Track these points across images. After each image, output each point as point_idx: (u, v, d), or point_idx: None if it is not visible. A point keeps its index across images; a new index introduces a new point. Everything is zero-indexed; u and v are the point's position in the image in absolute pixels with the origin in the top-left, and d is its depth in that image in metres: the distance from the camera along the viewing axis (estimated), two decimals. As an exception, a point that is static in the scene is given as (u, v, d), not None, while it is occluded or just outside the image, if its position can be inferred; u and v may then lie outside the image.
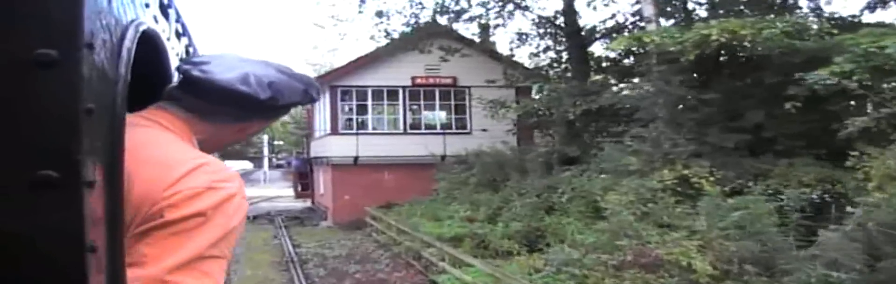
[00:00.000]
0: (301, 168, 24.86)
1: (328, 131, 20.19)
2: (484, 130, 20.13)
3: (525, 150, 15.27)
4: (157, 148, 1.20)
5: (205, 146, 1.34)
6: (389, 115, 20.73)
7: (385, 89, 20.14)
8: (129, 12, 1.07)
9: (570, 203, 10.93)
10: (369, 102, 20.10)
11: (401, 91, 20.17)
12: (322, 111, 21.73)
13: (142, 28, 1.10)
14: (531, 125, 18.41)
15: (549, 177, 13.38)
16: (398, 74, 20.06)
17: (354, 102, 20.18)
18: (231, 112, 1.34)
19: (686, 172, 9.51)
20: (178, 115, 1.31)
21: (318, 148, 21.81)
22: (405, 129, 20.28)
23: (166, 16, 1.43)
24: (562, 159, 13.86)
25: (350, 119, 20.55)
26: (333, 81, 19.91)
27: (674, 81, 10.47)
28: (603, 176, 10.67)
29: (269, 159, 49.38)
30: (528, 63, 19.51)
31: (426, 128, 20.75)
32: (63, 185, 0.82)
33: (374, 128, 20.46)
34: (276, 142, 54.50)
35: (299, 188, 25.00)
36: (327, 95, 20.28)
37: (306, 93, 1.39)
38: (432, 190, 18.03)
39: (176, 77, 1.37)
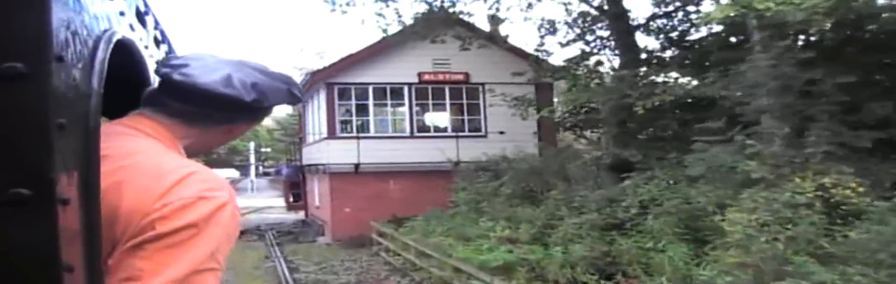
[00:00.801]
0: (292, 177, 22.12)
1: (324, 134, 17.49)
2: (501, 132, 17.55)
3: (567, 155, 12.61)
4: (145, 157, 1.16)
5: (191, 151, 1.31)
6: (394, 116, 18.06)
7: (388, 87, 17.48)
8: (101, 22, 1.04)
9: (656, 221, 8.32)
10: (371, 102, 17.42)
11: (406, 89, 17.53)
12: (316, 113, 19.04)
13: (115, 38, 1.06)
14: (568, 126, 15.78)
15: (607, 187, 10.79)
16: (403, 69, 17.42)
17: (354, 102, 17.48)
18: (215, 115, 1.29)
19: (825, 180, 6.96)
20: (161, 120, 1.26)
21: (312, 154, 19.13)
22: (412, 132, 17.62)
23: (144, 23, 1.41)
24: (616, 165, 11.28)
25: (349, 121, 17.86)
26: (329, 78, 17.22)
27: (783, 62, 7.91)
28: (703, 187, 8.08)
29: (256, 167, 46.48)
30: (554, 55, 16.93)
31: (435, 131, 18.10)
32: (36, 203, 0.79)
33: (376, 131, 17.80)
34: (263, 149, 51.67)
35: (291, 199, 22.24)
36: (323, 95, 17.60)
37: (290, 93, 1.34)
38: (449, 202, 15.39)
39: (155, 82, 1.34)
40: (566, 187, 11.28)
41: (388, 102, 17.52)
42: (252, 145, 44.92)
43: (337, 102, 17.22)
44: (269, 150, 52.16)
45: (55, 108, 0.81)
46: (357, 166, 16.87)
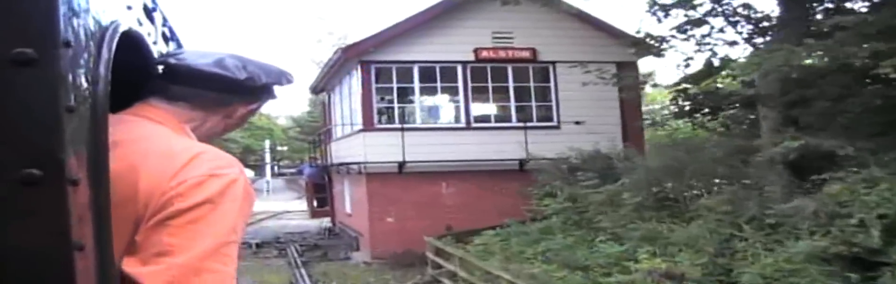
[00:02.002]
0: (317, 178, 18.47)
1: (358, 126, 13.83)
2: (577, 122, 13.83)
3: (722, 147, 8.74)
4: (156, 140, 1.21)
5: (199, 136, 1.34)
6: (446, 102, 14.36)
7: (437, 66, 13.77)
8: (109, 13, 1.06)
9: None
10: (416, 85, 13.71)
11: (460, 69, 13.82)
12: (345, 100, 15.36)
13: (122, 29, 1.08)
14: (687, 110, 11.99)
15: (793, 194, 7.06)
16: (456, 44, 13.71)
17: (395, 85, 13.78)
18: (213, 96, 1.34)
19: None
20: (164, 106, 1.31)
21: (342, 151, 15.44)
22: (468, 122, 13.91)
23: (151, 19, 1.43)
24: (798, 162, 7.54)
25: (389, 109, 14.19)
26: (364, 54, 13.51)
27: None
28: None
29: (272, 167, 42.96)
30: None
31: (497, 120, 14.37)
32: (47, 183, 0.81)
33: (424, 121, 14.11)
34: (279, 148, 48.15)
35: (315, 204, 18.58)
36: (356, 76, 13.92)
37: (283, 75, 1.41)
38: (527, 211, 11.69)
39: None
40: (732, 193, 7.54)
41: (438, 85, 13.80)
42: (267, 143, 41.43)
43: (374, 84, 13.53)
44: (285, 148, 48.66)
45: (64, 91, 0.83)
46: (401, 164, 13.19)
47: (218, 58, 1.33)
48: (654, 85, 12.73)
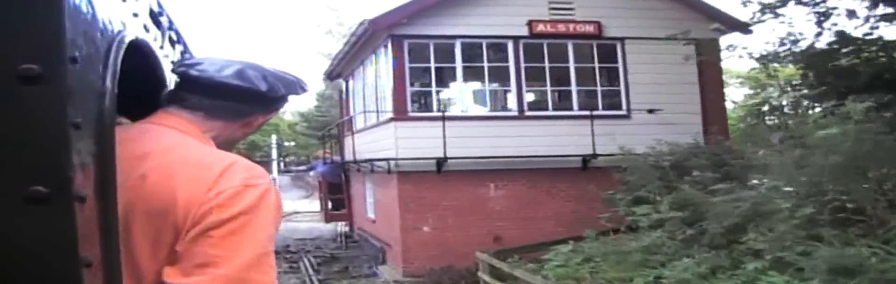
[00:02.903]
0: (331, 177, 15.96)
1: (388, 115, 11.31)
2: (650, 110, 11.30)
3: None
4: (186, 151, 1.22)
5: (216, 144, 1.34)
6: (495, 86, 11.82)
7: (484, 42, 11.20)
8: (114, 24, 1.04)
9: None
10: (458, 64, 11.14)
11: (511, 45, 11.25)
12: (370, 84, 12.81)
13: (128, 39, 1.07)
14: (809, 94, 9.46)
15: None
16: (506, 16, 11.16)
17: (433, 65, 11.22)
18: (233, 107, 1.34)
19: None
20: (185, 116, 1.31)
21: (364, 146, 12.89)
22: (522, 110, 11.36)
23: (158, 24, 1.41)
24: None
25: (426, 95, 11.68)
26: (395, 27, 10.95)
27: None
28: None
29: (279, 163, 40.49)
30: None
31: (555, 108, 11.80)
32: (54, 200, 0.80)
33: (467, 109, 11.57)
34: (286, 143, 45.63)
35: (330, 206, 16.06)
36: (385, 54, 11.38)
37: (299, 85, 1.40)
38: (602, 221, 9.16)
39: (171, 81, 1.40)
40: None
41: (485, 64, 11.23)
42: (273, 138, 38.92)
43: (408, 64, 10.98)
44: (293, 144, 46.13)
45: (71, 108, 0.82)
46: (441, 161, 10.66)
47: (238, 69, 1.31)
48: (763, 62, 10.11)
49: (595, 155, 10.87)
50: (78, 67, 0.84)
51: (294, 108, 50.10)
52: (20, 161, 0.80)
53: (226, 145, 1.39)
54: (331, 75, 16.22)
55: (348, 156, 14.87)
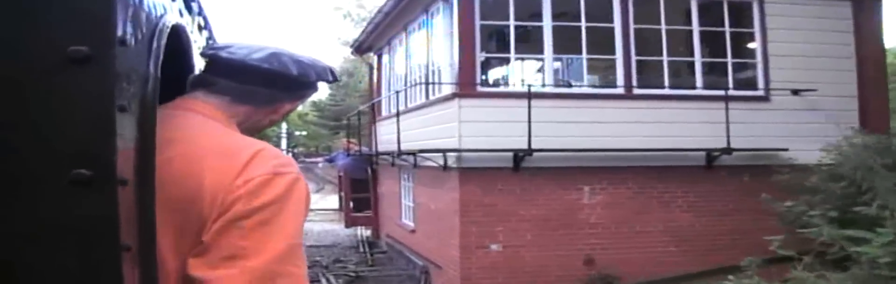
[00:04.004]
0: (355, 171, 12.90)
1: (445, 91, 8.26)
2: (797, 92, 8.23)
3: None
4: (213, 137, 1.18)
5: (243, 130, 1.28)
6: (593, 54, 8.59)
7: (580, -4, 8.13)
8: (158, 7, 1.03)
9: None
10: (547, 23, 7.97)
11: (615, 1, 8.15)
12: (419, 52, 9.73)
13: (171, 24, 1.06)
14: None
15: None
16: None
17: (512, 22, 8.08)
18: (262, 92, 1.29)
19: None
20: (212, 101, 1.25)
21: (407, 133, 9.75)
22: (629, 87, 8.22)
23: (190, 9, 1.39)
24: None
25: (500, 62, 8.56)
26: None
27: None
28: None
29: (292, 155, 37.52)
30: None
31: (672, 87, 8.60)
32: (97, 183, 0.79)
33: (555, 84, 8.39)
34: (297, 133, 42.60)
35: (351, 207, 12.98)
36: (446, 8, 8.31)
37: (327, 70, 1.34)
38: (772, 244, 6.03)
39: (197, 66, 1.35)
40: None
41: (582, 24, 8.08)
42: (284, 127, 35.96)
43: (478, 21, 7.86)
44: (304, 133, 43.08)
45: (117, 90, 0.81)
46: (522, 155, 7.59)
47: (269, 53, 1.26)
48: None
49: (729, 149, 7.79)
50: (125, 50, 0.83)
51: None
52: (66, 143, 0.78)
53: (250, 132, 1.31)
54: (359, 48, 13.12)
55: (384, 145, 11.83)
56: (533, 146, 7.37)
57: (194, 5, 1.43)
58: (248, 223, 1.05)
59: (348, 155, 13.02)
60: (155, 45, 0.96)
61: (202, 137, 1.15)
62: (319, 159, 17.42)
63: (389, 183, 11.73)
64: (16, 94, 0.78)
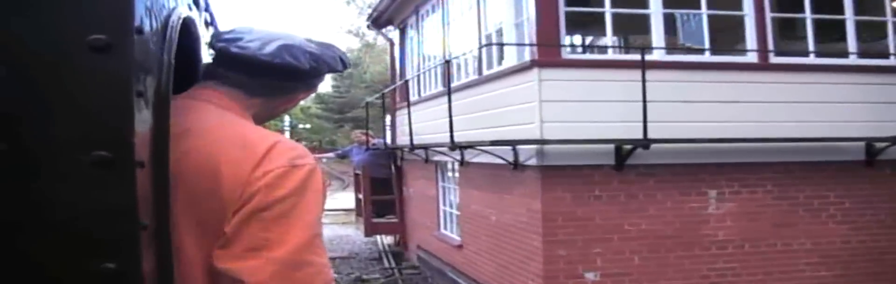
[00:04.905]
0: (374, 169, 10.65)
1: (514, 60, 6.01)
2: None
3: None
4: (229, 128, 1.16)
5: (256, 119, 1.29)
6: (715, 8, 6.24)
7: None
8: (169, 0, 1.05)
9: None
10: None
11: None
12: (463, 16, 7.41)
13: (184, 15, 1.09)
14: None
15: None
16: None
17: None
18: (276, 85, 1.27)
19: None
20: (227, 92, 1.24)
21: (453, 119, 7.49)
22: (765, 56, 5.93)
23: (198, 5, 1.41)
24: None
25: (584, 23, 6.27)
26: None
27: None
28: None
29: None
30: None
31: (818, 55, 6.30)
32: (117, 165, 0.81)
33: (667, 52, 6.08)
34: (301, 126, 40.23)
35: (373, 213, 10.71)
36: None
37: (341, 60, 1.32)
38: None
39: (208, 57, 1.34)
40: None
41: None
42: (286, 120, 33.71)
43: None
44: (308, 126, 40.68)
45: (135, 77, 0.83)
46: (631, 147, 5.34)
47: (279, 46, 1.21)
48: None
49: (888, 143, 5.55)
50: (142, 39, 0.86)
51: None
52: (87, 127, 0.81)
53: (264, 120, 1.33)
54: (377, 21, 10.80)
55: (401, 137, 9.58)
56: (650, 136, 5.12)
57: (202, 1, 1.45)
58: (268, 214, 1.05)
59: (367, 149, 10.73)
60: (169, 35, 0.99)
61: (219, 129, 1.14)
62: (330, 154, 14.94)
63: (421, 184, 9.48)
64: (40, 81, 0.81)
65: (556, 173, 5.45)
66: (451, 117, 5.98)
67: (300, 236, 1.06)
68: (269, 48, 1.20)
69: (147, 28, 0.87)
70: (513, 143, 5.56)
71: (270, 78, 1.24)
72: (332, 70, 1.31)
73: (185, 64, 1.24)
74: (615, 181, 5.51)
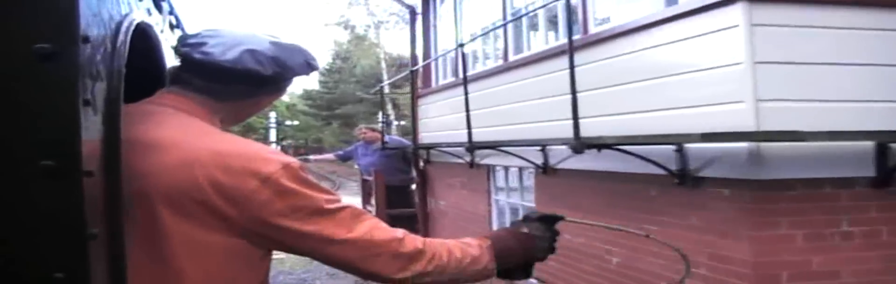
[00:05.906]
0: (387, 174, 8.17)
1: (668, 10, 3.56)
2: None
3: None
4: (204, 138, 1.12)
5: (224, 123, 1.26)
6: None
7: None
8: (122, 6, 1.04)
9: None
10: None
11: None
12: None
13: (135, 22, 1.06)
14: None
15: None
16: None
17: None
18: (240, 89, 1.22)
19: None
20: (193, 98, 1.20)
21: (523, 103, 4.89)
22: None
23: (159, 8, 1.39)
24: None
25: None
26: None
27: None
28: None
29: (281, 148, 32.62)
30: None
31: None
32: (63, 175, 0.80)
33: None
34: (289, 123, 37.47)
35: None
36: None
37: (308, 64, 1.27)
38: None
39: (173, 61, 1.32)
40: None
41: None
42: (272, 117, 31.07)
43: None
44: (296, 123, 37.93)
45: (82, 86, 0.81)
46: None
47: (242, 51, 1.16)
48: None
49: None
50: (89, 47, 0.84)
51: (292, 88, 42.22)
52: (32, 137, 0.79)
53: (232, 124, 1.30)
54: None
55: (425, 135, 7.10)
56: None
57: (165, 5, 1.43)
58: (295, 218, 1.07)
59: (382, 149, 8.19)
60: (119, 41, 0.96)
61: (193, 139, 1.10)
62: (329, 155, 12.10)
63: (460, 196, 6.98)
64: None
65: (773, 194, 2.98)
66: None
67: (337, 218, 1.10)
68: (231, 54, 1.16)
69: (94, 36, 0.85)
70: (684, 140, 3.08)
71: (234, 83, 1.19)
72: (297, 74, 1.26)
73: (146, 69, 1.26)
74: (874, 206, 3.05)
